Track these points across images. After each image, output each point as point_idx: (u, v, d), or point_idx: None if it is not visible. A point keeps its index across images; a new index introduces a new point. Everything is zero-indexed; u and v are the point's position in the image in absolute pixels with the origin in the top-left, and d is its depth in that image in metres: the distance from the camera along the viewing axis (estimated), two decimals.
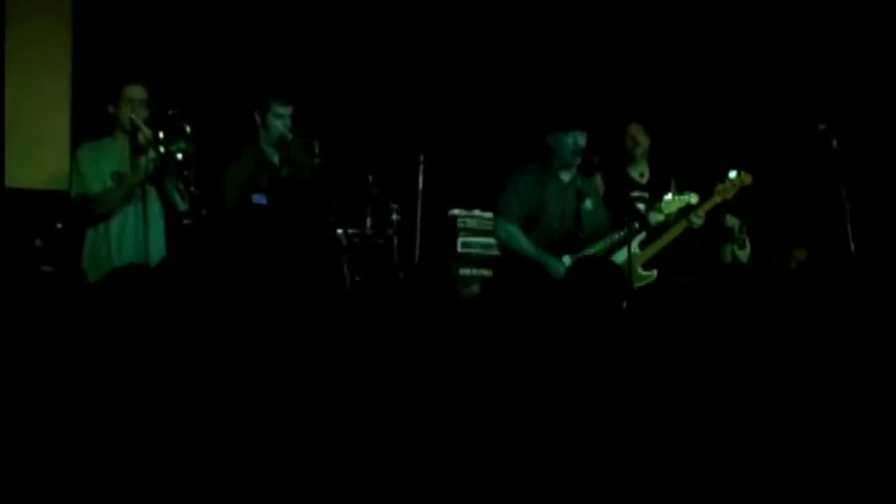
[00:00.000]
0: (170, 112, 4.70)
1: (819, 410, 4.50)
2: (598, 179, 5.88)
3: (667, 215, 5.57)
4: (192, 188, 4.83)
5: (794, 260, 6.16)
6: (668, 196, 5.57)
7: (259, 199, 5.07)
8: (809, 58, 6.90)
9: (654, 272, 5.70)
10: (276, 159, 5.32)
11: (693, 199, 5.58)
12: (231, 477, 3.44)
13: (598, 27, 7.13)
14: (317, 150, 5.26)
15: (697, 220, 5.67)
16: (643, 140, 5.94)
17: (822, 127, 5.67)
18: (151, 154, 4.76)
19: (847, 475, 3.63)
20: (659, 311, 5.57)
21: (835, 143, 5.62)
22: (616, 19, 7.13)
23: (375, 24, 6.90)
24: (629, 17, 7.12)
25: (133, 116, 4.82)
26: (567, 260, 5.42)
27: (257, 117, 5.33)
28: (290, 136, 5.25)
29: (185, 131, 4.66)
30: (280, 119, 5.28)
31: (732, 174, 5.73)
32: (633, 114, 6.10)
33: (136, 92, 4.95)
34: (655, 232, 5.72)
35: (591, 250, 5.50)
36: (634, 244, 5.60)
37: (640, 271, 5.68)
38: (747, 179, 5.72)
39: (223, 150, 5.76)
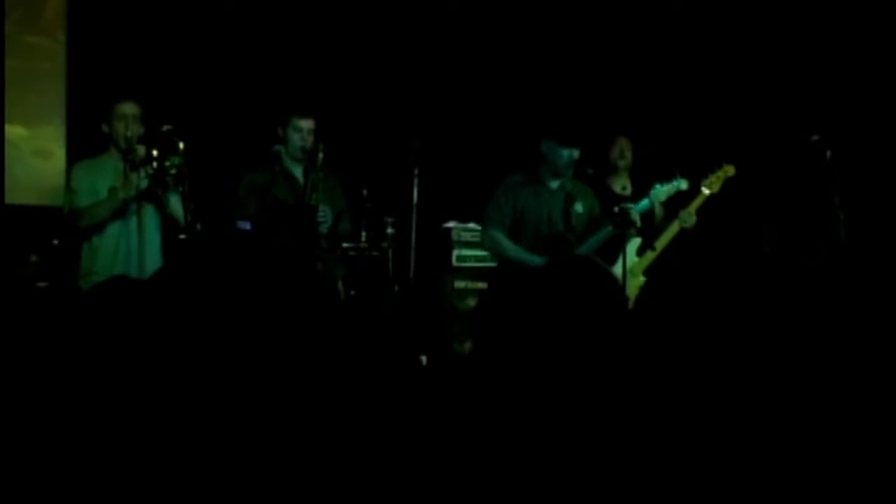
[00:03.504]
0: (164, 128, 4.72)
1: (817, 416, 4.50)
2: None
3: (659, 201, 5.56)
4: (187, 202, 4.86)
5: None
6: (658, 186, 5.56)
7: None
8: (801, 68, 6.91)
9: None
10: (297, 172, 5.40)
11: (683, 184, 5.56)
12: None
13: (590, 39, 7.15)
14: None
15: (689, 218, 5.67)
16: (629, 155, 5.95)
17: (815, 138, 5.68)
18: (143, 173, 4.78)
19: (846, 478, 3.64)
20: (663, 312, 5.59)
21: (828, 153, 5.63)
22: (608, 29, 7.15)
23: (369, 38, 6.92)
24: (621, 26, 7.14)
25: (128, 135, 4.84)
26: None
27: (280, 131, 5.40)
28: (315, 152, 5.33)
29: (178, 147, 4.68)
30: (298, 133, 5.36)
31: (716, 168, 5.75)
32: (622, 127, 6.11)
33: (129, 108, 4.96)
34: (650, 238, 5.72)
35: (581, 250, 5.49)
36: (631, 252, 5.62)
37: (643, 278, 5.68)
38: (731, 171, 5.71)
39: (219, 163, 5.82)
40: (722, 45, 7.04)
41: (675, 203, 5.73)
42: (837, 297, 5.61)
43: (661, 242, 5.72)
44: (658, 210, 5.84)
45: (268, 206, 5.21)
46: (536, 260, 5.36)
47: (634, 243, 5.70)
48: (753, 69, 6.98)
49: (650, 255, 5.72)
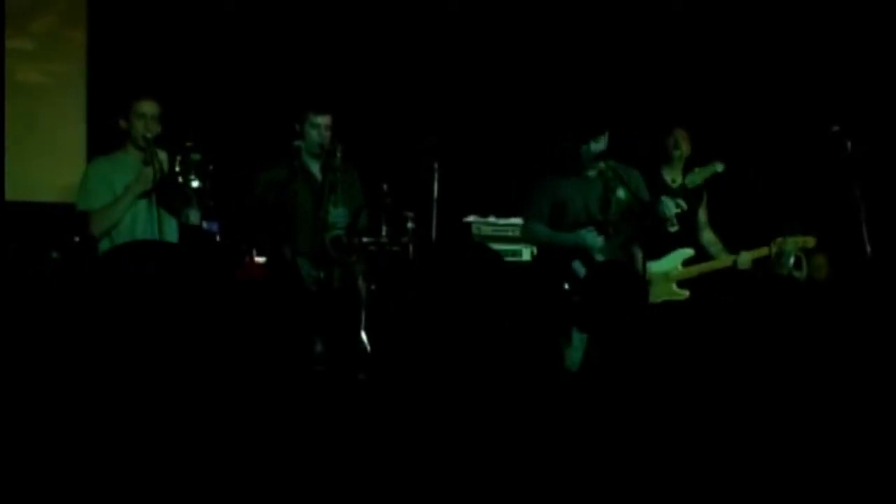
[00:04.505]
0: (188, 144, 4.68)
1: (840, 417, 4.48)
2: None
3: (696, 185, 5.53)
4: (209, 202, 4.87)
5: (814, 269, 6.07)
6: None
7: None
8: (822, 58, 6.88)
9: (686, 292, 5.69)
10: (315, 169, 5.42)
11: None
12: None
13: (600, 29, 7.16)
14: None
15: (746, 262, 5.68)
16: (685, 147, 5.89)
17: (835, 128, 5.64)
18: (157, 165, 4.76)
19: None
20: (678, 325, 5.58)
21: (849, 144, 5.59)
22: (622, 21, 7.14)
23: (389, 32, 6.94)
24: (637, 18, 7.13)
25: (146, 134, 4.82)
26: (589, 235, 5.37)
27: (297, 127, 5.40)
28: (331, 147, 5.32)
29: (200, 166, 4.65)
30: (316, 129, 5.36)
31: (797, 233, 5.74)
32: (680, 119, 6.05)
33: (147, 107, 4.91)
34: (701, 257, 5.74)
35: (615, 241, 5.47)
36: (678, 261, 5.67)
37: (674, 287, 5.67)
38: (810, 242, 5.72)
39: (237, 161, 5.83)
40: (741, 33, 7.01)
41: (740, 242, 5.77)
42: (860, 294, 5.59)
43: (710, 266, 5.75)
44: (702, 218, 5.84)
45: (281, 206, 5.23)
46: (566, 237, 5.37)
47: (684, 252, 5.70)
48: (771, 59, 6.96)
49: (692, 270, 5.71)
